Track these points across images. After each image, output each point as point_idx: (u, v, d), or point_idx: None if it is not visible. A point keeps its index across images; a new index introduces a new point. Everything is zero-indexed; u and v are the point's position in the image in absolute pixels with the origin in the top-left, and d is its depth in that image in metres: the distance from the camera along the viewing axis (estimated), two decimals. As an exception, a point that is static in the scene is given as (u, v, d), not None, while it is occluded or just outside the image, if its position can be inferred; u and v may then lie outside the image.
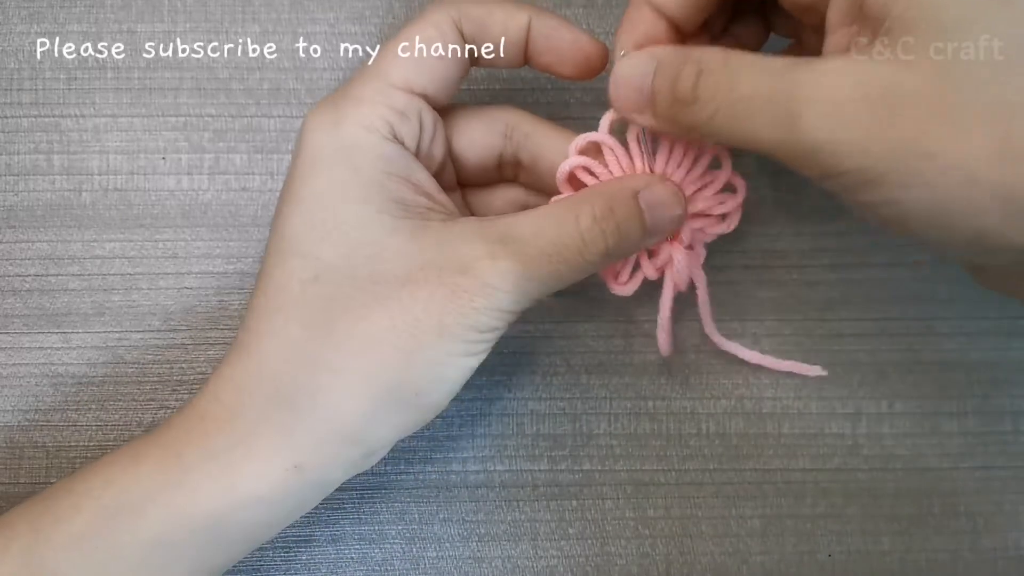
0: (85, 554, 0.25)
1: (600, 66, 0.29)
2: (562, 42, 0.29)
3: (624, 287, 0.31)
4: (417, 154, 0.28)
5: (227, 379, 0.27)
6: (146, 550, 0.25)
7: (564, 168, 0.29)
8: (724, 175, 0.30)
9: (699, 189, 0.30)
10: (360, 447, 0.27)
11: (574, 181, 0.30)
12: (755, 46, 0.31)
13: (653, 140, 0.29)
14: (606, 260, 0.28)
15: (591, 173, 0.30)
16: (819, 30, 0.26)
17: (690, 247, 0.31)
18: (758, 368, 0.35)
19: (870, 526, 0.34)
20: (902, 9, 0.22)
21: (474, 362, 0.28)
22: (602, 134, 0.29)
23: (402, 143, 0.28)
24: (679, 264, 0.30)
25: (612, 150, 0.29)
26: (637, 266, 0.31)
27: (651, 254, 0.31)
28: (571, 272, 0.27)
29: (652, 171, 0.29)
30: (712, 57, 0.25)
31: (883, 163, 0.22)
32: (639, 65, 0.27)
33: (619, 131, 0.30)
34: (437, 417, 0.34)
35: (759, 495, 0.34)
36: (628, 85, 0.27)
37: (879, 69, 0.23)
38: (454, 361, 0.27)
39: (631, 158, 0.29)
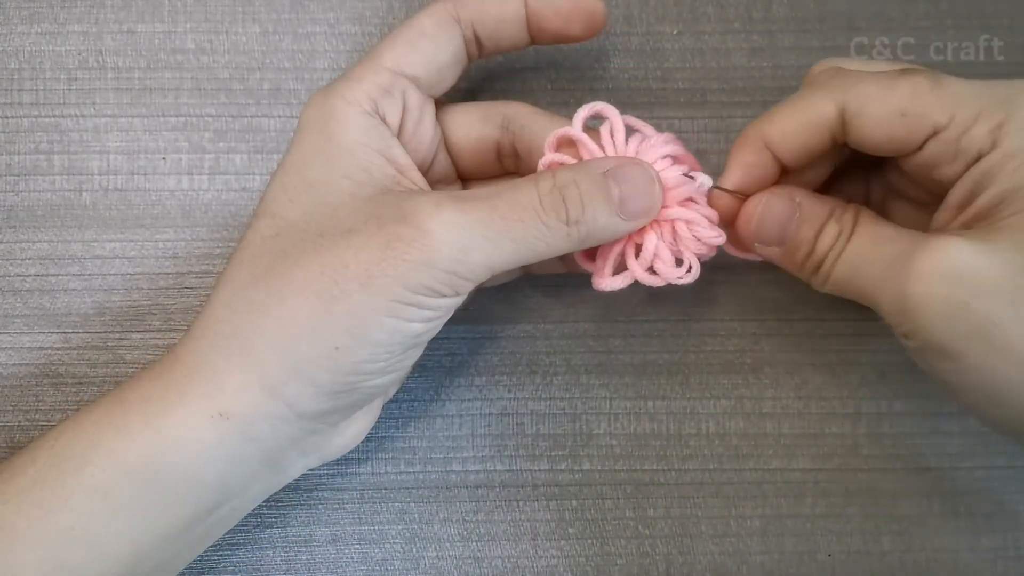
0: (35, 504, 0.25)
1: (602, 19, 0.30)
2: (563, 5, 0.30)
3: (607, 281, 0.30)
4: (401, 132, 0.29)
5: (186, 331, 0.28)
6: (89, 498, 0.25)
7: (542, 164, 0.29)
8: (706, 178, 0.30)
9: (677, 187, 0.29)
10: (284, 402, 0.26)
11: None
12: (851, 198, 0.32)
13: (627, 135, 0.29)
14: (571, 231, 0.27)
15: None
16: (927, 198, 0.30)
17: (678, 252, 0.30)
18: (758, 368, 0.35)
19: (870, 526, 0.34)
20: (1010, 216, 0.25)
21: (406, 329, 0.26)
22: (575, 130, 0.29)
23: (383, 118, 0.28)
24: (666, 262, 0.29)
25: (585, 146, 0.29)
26: (624, 266, 0.30)
27: (637, 252, 0.29)
28: (529, 236, 0.26)
29: None
30: (848, 219, 0.28)
31: (958, 343, 0.25)
32: (783, 206, 0.29)
33: (592, 126, 0.30)
34: (438, 417, 0.34)
35: (759, 495, 0.34)
36: (771, 222, 0.29)
37: (975, 259, 0.25)
38: (378, 320, 0.25)
39: (604, 151, 0.29)
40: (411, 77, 0.29)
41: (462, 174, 0.32)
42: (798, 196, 0.29)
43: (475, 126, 0.31)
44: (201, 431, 0.26)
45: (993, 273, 0.25)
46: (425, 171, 0.31)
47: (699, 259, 0.30)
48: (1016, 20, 0.36)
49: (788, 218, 0.29)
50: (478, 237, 0.26)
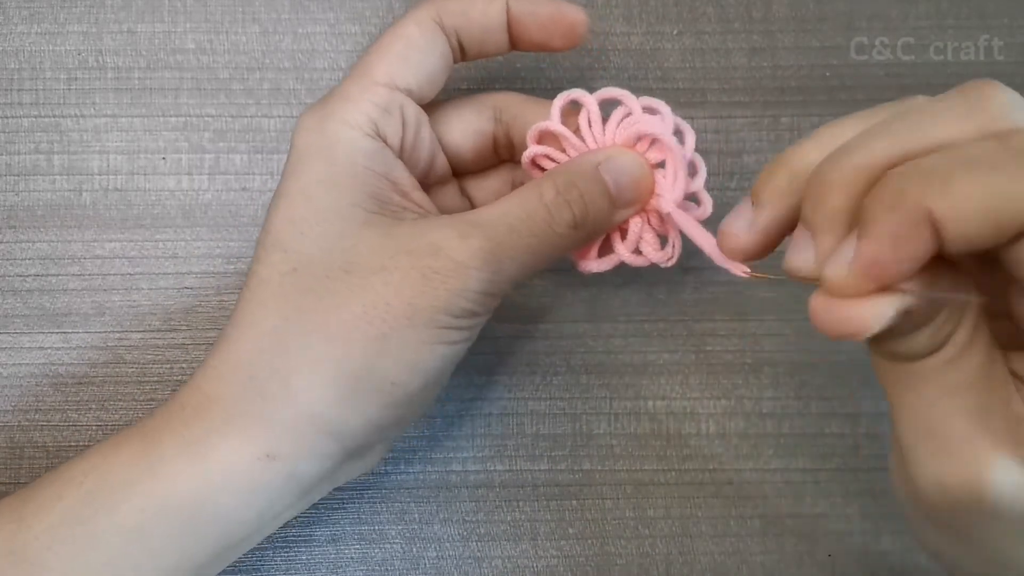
0: (65, 541, 0.25)
1: (582, 32, 0.30)
2: (544, 16, 0.29)
3: (593, 264, 0.30)
4: (401, 150, 0.29)
5: (209, 368, 0.27)
6: (124, 537, 0.25)
7: (525, 158, 0.30)
8: (687, 152, 0.29)
9: (657, 166, 0.29)
10: (334, 439, 0.27)
11: (540, 167, 0.30)
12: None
13: (603, 121, 0.30)
14: (577, 232, 0.28)
15: (552, 160, 0.30)
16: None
17: (664, 231, 0.30)
18: (758, 368, 0.35)
19: (870, 526, 0.34)
20: None
21: (452, 351, 0.27)
22: (554, 123, 0.29)
23: (384, 140, 0.28)
24: (651, 244, 0.30)
25: (566, 139, 0.30)
26: (610, 248, 0.30)
27: (623, 235, 0.30)
28: (544, 246, 0.27)
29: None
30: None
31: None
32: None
33: (575, 111, 0.30)
34: (438, 417, 0.34)
35: (759, 495, 0.34)
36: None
37: None
38: (429, 348, 0.26)
39: (584, 140, 0.30)
40: (405, 90, 0.29)
41: (459, 170, 0.32)
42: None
43: (470, 124, 0.31)
44: (248, 473, 0.26)
45: None
46: (425, 177, 0.31)
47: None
48: (1016, 20, 0.36)
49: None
50: (504, 260, 0.27)
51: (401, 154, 0.29)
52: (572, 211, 0.28)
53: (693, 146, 0.30)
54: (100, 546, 0.25)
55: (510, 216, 0.27)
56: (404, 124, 0.29)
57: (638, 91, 0.35)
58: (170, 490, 0.25)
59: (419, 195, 0.29)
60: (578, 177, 0.28)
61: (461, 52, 0.30)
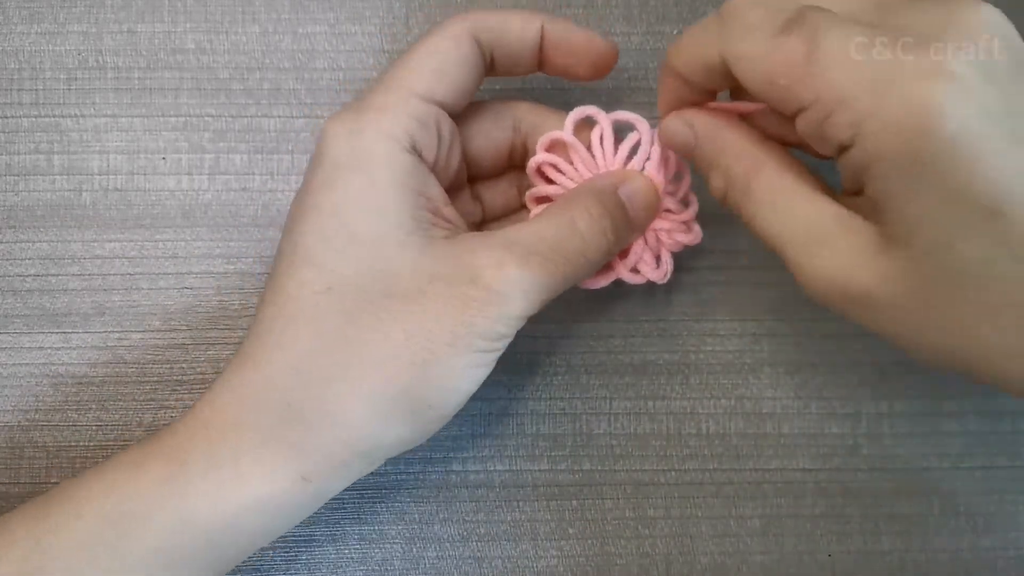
0: (86, 561, 0.25)
1: (611, 63, 0.30)
2: (577, 44, 0.30)
3: (594, 280, 0.31)
4: (435, 165, 0.29)
5: (233, 388, 0.26)
6: (150, 557, 0.25)
7: (531, 164, 0.31)
8: (684, 184, 0.31)
9: (665, 192, 0.31)
10: (366, 459, 0.27)
11: (544, 175, 0.31)
12: None
13: (616, 139, 0.30)
14: (606, 258, 0.29)
15: (558, 170, 0.30)
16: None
17: (658, 252, 0.31)
18: (758, 368, 0.35)
19: (870, 526, 0.34)
20: (894, 217, 0.23)
21: (484, 372, 0.28)
22: (566, 133, 0.30)
23: (420, 155, 0.28)
24: (649, 264, 0.31)
25: (577, 152, 0.30)
26: (609, 266, 0.31)
27: (623, 255, 0.31)
28: (575, 272, 0.28)
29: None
30: (738, 170, 0.27)
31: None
32: (679, 131, 0.28)
33: (589, 125, 0.31)
34: (437, 417, 0.34)
35: (759, 495, 0.34)
36: (675, 145, 0.29)
37: (866, 261, 0.24)
38: (467, 372, 0.27)
39: (593, 156, 0.30)
40: (441, 104, 0.28)
41: (473, 175, 0.32)
42: (697, 123, 0.28)
43: (491, 134, 0.31)
44: (281, 496, 0.26)
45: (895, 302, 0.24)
46: (447, 186, 0.30)
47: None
48: (1016, 20, 0.36)
49: (689, 144, 0.28)
50: (539, 286, 0.27)
51: (434, 168, 0.29)
52: (607, 239, 0.28)
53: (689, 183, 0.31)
54: (122, 566, 0.25)
55: (544, 244, 0.27)
56: (440, 139, 0.28)
57: (638, 91, 0.35)
58: (197, 511, 0.25)
59: (449, 210, 0.29)
60: (608, 201, 0.29)
61: (491, 67, 0.30)
